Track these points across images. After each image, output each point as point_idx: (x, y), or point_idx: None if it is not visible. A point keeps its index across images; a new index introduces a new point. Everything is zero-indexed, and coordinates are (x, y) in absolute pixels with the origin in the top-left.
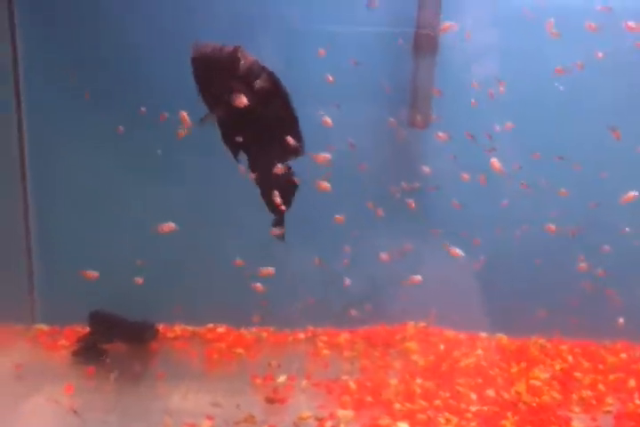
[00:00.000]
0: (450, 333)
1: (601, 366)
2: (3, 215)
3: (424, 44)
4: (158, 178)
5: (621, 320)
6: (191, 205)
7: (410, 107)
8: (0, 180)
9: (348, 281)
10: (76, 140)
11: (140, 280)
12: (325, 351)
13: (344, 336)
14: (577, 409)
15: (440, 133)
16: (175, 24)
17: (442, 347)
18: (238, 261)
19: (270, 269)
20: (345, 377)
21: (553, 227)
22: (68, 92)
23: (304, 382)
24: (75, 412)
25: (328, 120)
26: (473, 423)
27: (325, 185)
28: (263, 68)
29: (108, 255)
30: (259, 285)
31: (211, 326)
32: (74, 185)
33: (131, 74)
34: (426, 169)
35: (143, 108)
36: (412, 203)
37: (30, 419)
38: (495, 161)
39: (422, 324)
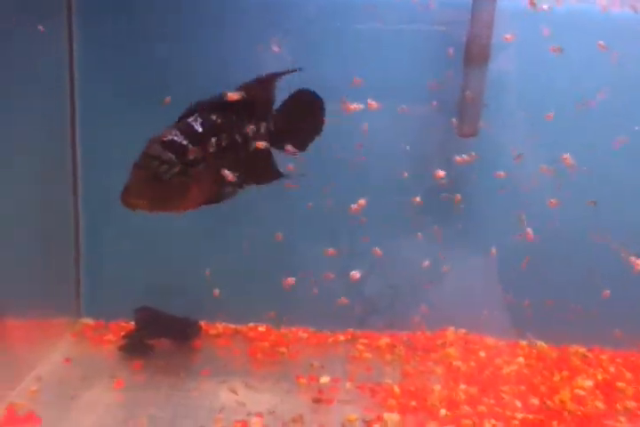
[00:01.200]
0: (490, 340)
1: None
2: (51, 210)
3: (476, 52)
4: None
5: None
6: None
7: (458, 116)
8: (50, 174)
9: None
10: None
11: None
12: (366, 354)
13: (384, 340)
14: (622, 419)
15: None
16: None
17: (482, 354)
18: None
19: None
20: (388, 381)
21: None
22: (123, 96)
23: (348, 384)
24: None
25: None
26: None
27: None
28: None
29: (154, 252)
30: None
31: (252, 324)
32: (124, 181)
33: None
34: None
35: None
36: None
37: (83, 414)
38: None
39: (462, 330)
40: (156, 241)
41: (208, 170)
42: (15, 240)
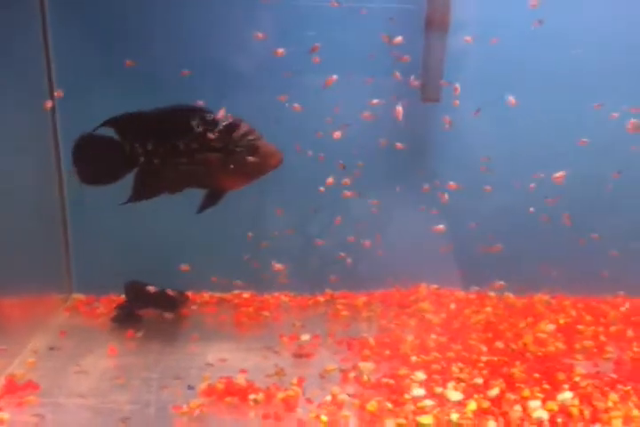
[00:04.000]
0: (460, 293)
1: (602, 320)
2: (39, 189)
3: (436, 21)
4: None
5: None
6: None
7: (421, 82)
8: (36, 151)
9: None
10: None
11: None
12: (344, 313)
13: (361, 299)
14: (580, 357)
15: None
16: None
17: (453, 306)
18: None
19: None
20: (364, 334)
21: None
22: (102, 77)
23: (327, 340)
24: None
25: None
26: (485, 371)
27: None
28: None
29: (140, 230)
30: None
31: (236, 292)
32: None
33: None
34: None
35: None
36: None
37: (80, 380)
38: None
39: (434, 286)
40: (142, 219)
41: None
42: (8, 225)
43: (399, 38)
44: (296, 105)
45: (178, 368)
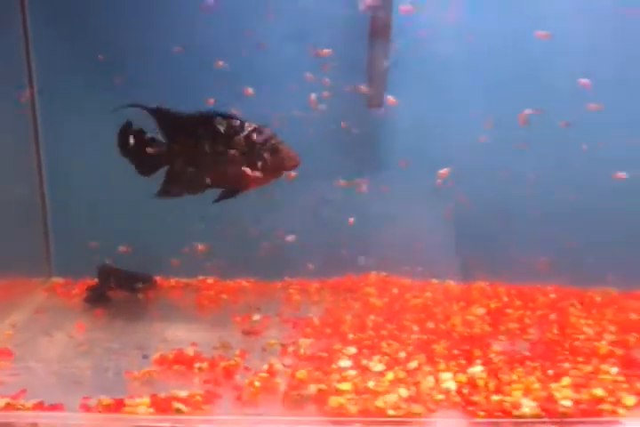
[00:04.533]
0: (406, 280)
1: (531, 304)
2: (18, 175)
3: (378, 28)
4: None
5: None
6: None
7: (368, 88)
8: (15, 139)
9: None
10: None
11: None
12: (296, 297)
13: (314, 285)
14: (502, 337)
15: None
16: None
17: (395, 291)
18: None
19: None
20: (310, 315)
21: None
22: (81, 71)
23: (276, 319)
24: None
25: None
26: (410, 347)
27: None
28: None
29: (115, 218)
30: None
31: (201, 277)
32: (88, 147)
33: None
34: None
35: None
36: None
37: (49, 349)
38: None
39: (383, 273)
40: (118, 208)
41: None
42: None
43: (327, 51)
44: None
45: (137, 342)
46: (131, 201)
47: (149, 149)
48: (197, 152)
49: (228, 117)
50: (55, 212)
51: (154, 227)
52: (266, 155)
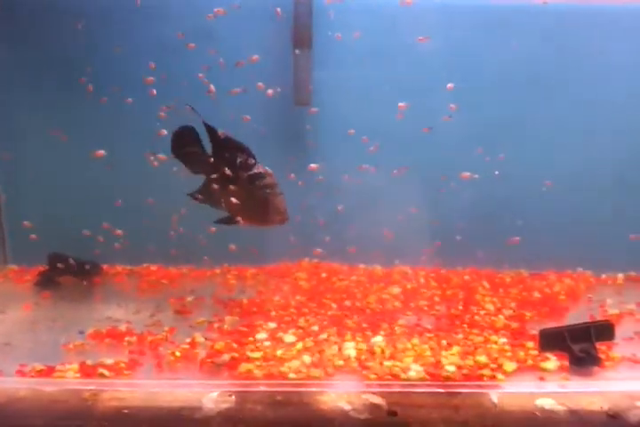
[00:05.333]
0: (336, 266)
1: (444, 285)
2: None
3: (300, 38)
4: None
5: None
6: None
7: (294, 88)
8: None
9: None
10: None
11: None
12: (233, 281)
13: (250, 271)
14: (410, 313)
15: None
16: None
17: (324, 275)
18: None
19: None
20: (241, 297)
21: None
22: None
23: (209, 301)
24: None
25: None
26: (325, 322)
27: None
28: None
29: (67, 210)
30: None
31: (145, 265)
32: (38, 139)
33: None
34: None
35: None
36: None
37: None
38: None
39: (316, 260)
40: (69, 201)
41: None
42: None
43: (255, 57)
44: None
45: (77, 320)
46: (82, 195)
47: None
48: (219, 173)
49: (248, 153)
50: (10, 204)
51: (104, 216)
52: (259, 201)
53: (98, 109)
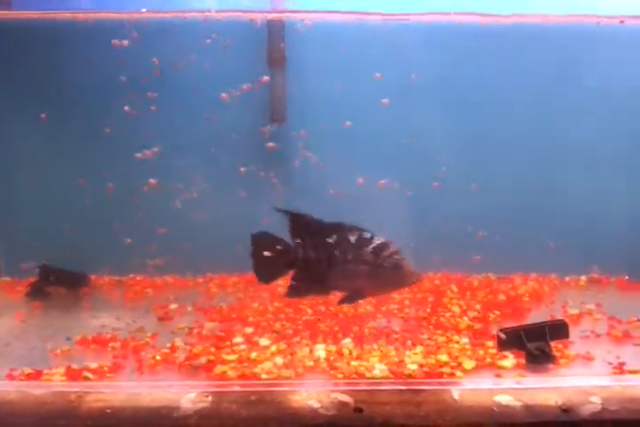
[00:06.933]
0: None
1: (415, 289)
2: None
3: (274, 58)
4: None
5: None
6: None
7: (270, 106)
8: None
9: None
10: None
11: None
12: (214, 289)
13: (232, 280)
14: (380, 316)
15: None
16: None
17: None
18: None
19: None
20: (222, 304)
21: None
22: None
23: (190, 308)
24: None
25: None
26: (300, 326)
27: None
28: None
29: (57, 226)
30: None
31: (132, 275)
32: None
33: None
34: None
35: None
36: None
37: None
38: None
39: None
40: (59, 218)
41: None
42: None
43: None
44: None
45: (65, 328)
46: (71, 213)
47: (267, 253)
48: (326, 258)
49: (359, 229)
50: (3, 222)
51: (94, 231)
52: (389, 269)
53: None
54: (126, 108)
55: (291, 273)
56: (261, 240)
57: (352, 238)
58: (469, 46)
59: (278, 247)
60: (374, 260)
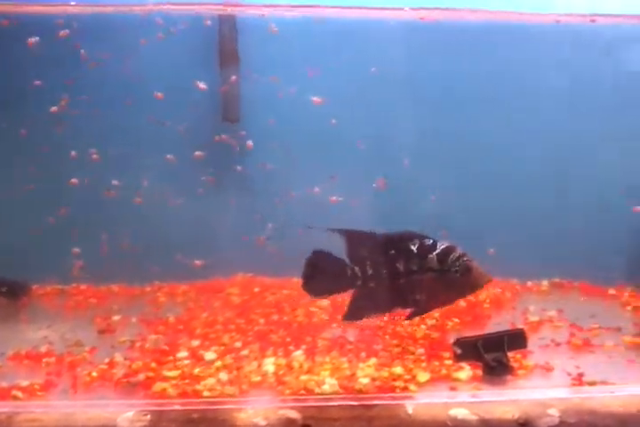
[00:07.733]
0: (268, 280)
1: None
2: None
3: (225, 56)
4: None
5: None
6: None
7: (222, 106)
8: None
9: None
10: None
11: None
12: (162, 299)
13: (182, 288)
14: (334, 325)
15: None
16: None
17: (257, 289)
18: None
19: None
20: (168, 315)
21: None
22: None
23: (134, 320)
24: None
25: None
26: (250, 338)
27: None
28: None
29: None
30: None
31: (75, 284)
32: None
33: None
34: None
35: None
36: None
37: None
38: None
39: (250, 274)
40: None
41: None
42: None
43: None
44: None
45: (2, 340)
46: (17, 221)
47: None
48: (388, 274)
49: (420, 237)
50: None
51: (34, 239)
52: (459, 274)
53: None
54: (54, 108)
55: (349, 294)
56: (318, 259)
57: (413, 248)
58: (425, 42)
59: (336, 268)
60: (441, 266)
